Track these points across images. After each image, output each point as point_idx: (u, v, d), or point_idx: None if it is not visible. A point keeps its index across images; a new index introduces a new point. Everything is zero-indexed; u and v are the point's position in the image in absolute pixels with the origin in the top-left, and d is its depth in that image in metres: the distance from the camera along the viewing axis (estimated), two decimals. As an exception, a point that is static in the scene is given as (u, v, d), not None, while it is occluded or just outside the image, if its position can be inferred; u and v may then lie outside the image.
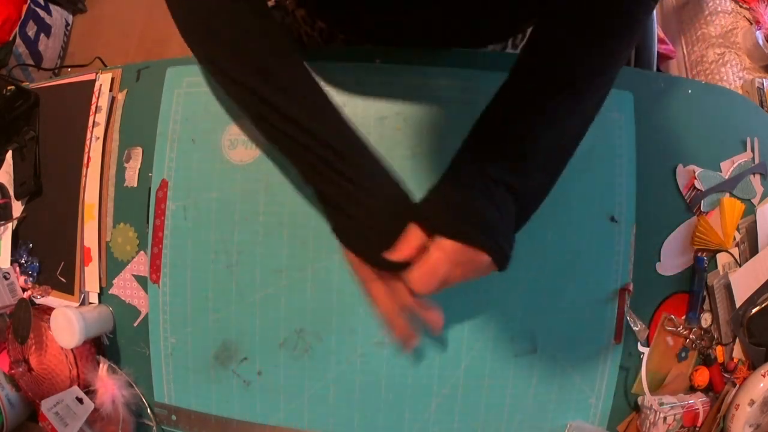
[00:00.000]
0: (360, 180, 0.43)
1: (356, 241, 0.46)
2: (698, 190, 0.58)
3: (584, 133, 0.44)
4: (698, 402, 0.57)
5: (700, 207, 0.58)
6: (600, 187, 0.56)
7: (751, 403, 0.55)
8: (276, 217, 0.56)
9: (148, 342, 0.59)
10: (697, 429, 0.57)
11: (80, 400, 0.57)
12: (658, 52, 0.81)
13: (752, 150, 0.60)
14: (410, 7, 0.49)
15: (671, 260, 0.57)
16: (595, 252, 0.56)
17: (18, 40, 1.56)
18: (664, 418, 0.54)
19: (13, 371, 0.63)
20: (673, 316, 0.57)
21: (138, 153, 0.60)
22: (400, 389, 0.56)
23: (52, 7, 1.71)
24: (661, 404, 0.54)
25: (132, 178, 0.60)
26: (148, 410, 0.60)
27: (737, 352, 0.59)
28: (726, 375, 0.59)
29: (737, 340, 0.59)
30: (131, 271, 0.60)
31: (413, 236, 0.43)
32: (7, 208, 0.66)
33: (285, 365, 0.57)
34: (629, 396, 0.58)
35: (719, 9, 1.16)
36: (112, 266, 0.60)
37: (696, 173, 0.58)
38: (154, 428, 0.60)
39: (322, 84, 0.46)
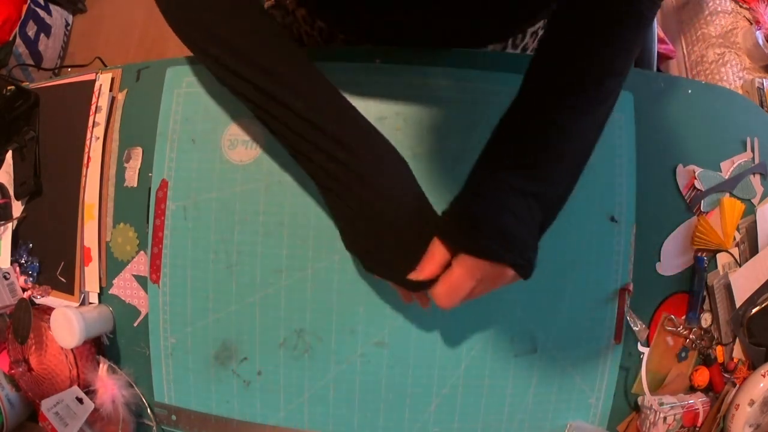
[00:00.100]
0: (379, 189, 0.42)
1: (379, 266, 0.46)
2: (698, 190, 0.58)
3: (600, 134, 0.44)
4: (698, 402, 0.57)
5: (700, 207, 0.58)
6: (600, 187, 0.56)
7: (751, 403, 0.55)
8: (276, 217, 0.56)
9: (148, 342, 0.59)
10: (697, 429, 0.57)
11: (80, 400, 0.57)
12: (658, 52, 0.81)
13: (752, 150, 0.60)
14: (410, 7, 0.49)
15: (671, 260, 0.57)
16: (595, 252, 0.56)
17: (18, 40, 1.56)
18: (664, 418, 0.54)
19: (13, 371, 0.63)
20: (673, 316, 0.57)
21: (138, 153, 0.60)
22: (400, 389, 0.56)
23: (52, 7, 1.71)
24: (661, 404, 0.54)
25: (132, 178, 0.60)
26: (148, 410, 0.60)
27: (737, 352, 0.59)
28: (726, 375, 0.59)
29: (737, 340, 0.59)
30: (131, 271, 0.60)
31: (437, 254, 0.43)
32: (7, 208, 0.66)
33: (285, 365, 0.57)
34: (629, 396, 0.58)
35: (719, 9, 1.16)
36: (112, 266, 0.60)
37: (696, 173, 0.58)
38: (154, 428, 0.60)
39: None
